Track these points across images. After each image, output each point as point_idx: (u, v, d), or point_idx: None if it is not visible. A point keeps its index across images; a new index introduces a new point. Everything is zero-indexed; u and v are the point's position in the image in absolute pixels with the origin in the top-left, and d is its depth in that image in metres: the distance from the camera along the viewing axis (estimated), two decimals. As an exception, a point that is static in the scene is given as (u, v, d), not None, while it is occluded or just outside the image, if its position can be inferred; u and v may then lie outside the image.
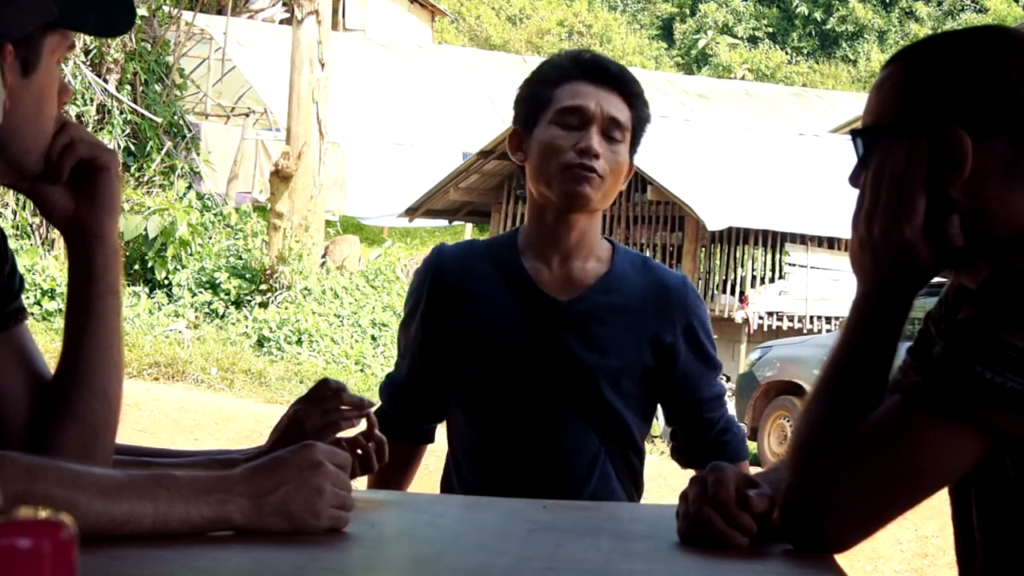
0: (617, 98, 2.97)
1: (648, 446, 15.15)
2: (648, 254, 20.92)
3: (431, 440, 3.32)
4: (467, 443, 3.12)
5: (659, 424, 15.21)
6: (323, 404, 2.33)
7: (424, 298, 3.12)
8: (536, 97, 3.01)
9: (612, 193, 2.98)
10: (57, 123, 1.86)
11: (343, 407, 2.34)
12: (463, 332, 3.07)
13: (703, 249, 20.49)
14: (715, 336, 3.16)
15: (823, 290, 20.09)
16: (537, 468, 2.98)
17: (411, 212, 22.83)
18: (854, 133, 1.95)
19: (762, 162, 21.52)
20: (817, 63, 52.37)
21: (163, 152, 19.51)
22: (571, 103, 2.95)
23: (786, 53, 52.34)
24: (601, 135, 2.94)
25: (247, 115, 27.72)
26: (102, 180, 1.91)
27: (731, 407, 3.07)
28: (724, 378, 3.43)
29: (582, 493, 2.94)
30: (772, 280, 20.54)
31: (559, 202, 2.96)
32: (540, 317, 3.00)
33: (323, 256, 20.00)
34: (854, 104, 33.88)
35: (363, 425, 2.41)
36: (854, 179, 1.95)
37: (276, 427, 2.35)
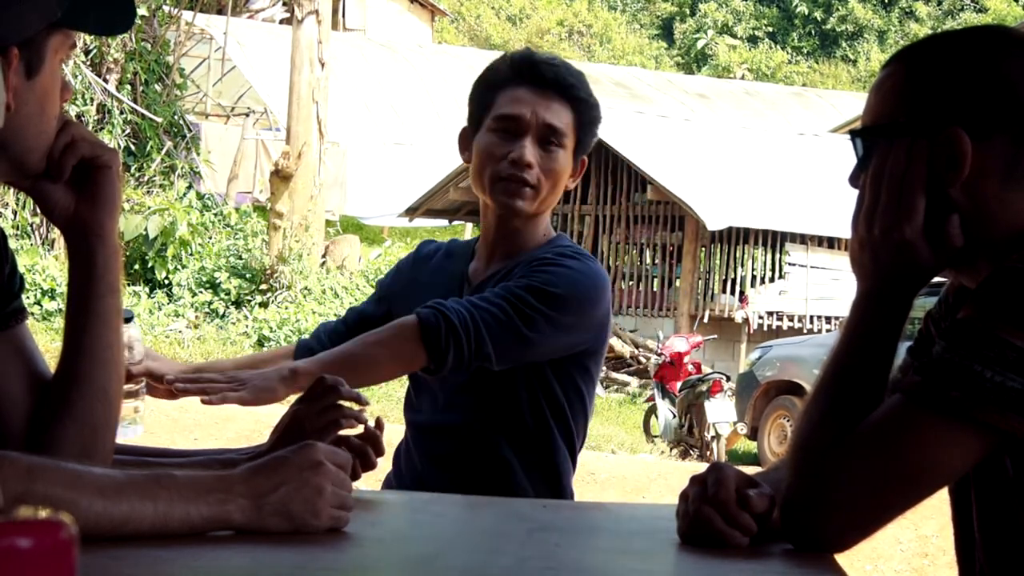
0: (558, 103, 2.96)
1: (648, 445, 15.15)
2: (648, 254, 20.98)
3: None
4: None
5: (659, 423, 15.23)
6: (321, 402, 2.33)
7: (388, 279, 3.25)
8: (480, 100, 3.03)
9: (552, 198, 3.00)
10: (59, 122, 1.87)
11: (341, 402, 2.34)
12: (390, 307, 3.16)
13: (703, 249, 20.51)
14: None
15: (823, 290, 20.12)
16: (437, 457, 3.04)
17: (411, 212, 22.84)
18: (853, 133, 1.96)
19: (762, 162, 21.54)
20: (817, 63, 52.38)
21: (163, 152, 19.52)
22: (507, 111, 2.96)
23: (786, 53, 52.35)
24: (537, 143, 2.95)
25: (247, 115, 27.71)
26: (103, 179, 1.91)
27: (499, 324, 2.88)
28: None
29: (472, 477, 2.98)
30: (772, 280, 20.56)
31: (495, 209, 3.01)
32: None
33: (323, 256, 20.00)
34: (854, 104, 33.87)
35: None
36: (854, 179, 1.95)
37: (276, 427, 2.35)
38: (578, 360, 3.00)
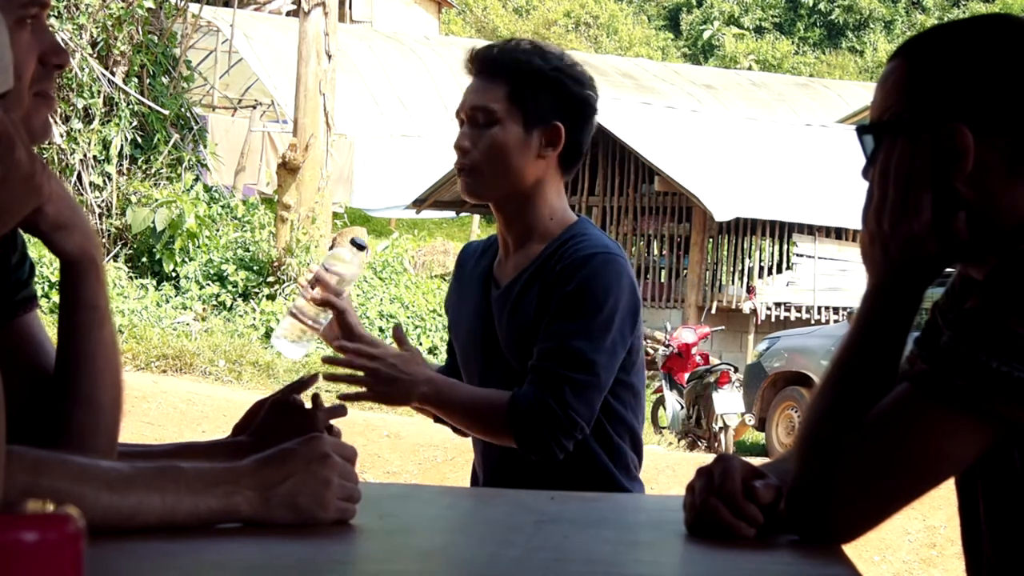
0: (490, 81, 3.00)
1: (656, 437, 15.14)
2: (655, 244, 20.97)
3: None
4: None
5: (667, 415, 15.22)
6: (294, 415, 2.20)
7: (448, 292, 3.33)
8: None
9: (510, 173, 3.00)
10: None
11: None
12: (451, 321, 3.29)
13: (711, 240, 20.50)
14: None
15: (831, 280, 20.09)
16: (497, 450, 3.05)
17: (418, 204, 22.84)
18: (860, 130, 1.96)
19: (769, 153, 21.51)
20: (824, 53, 52.33)
21: (170, 144, 19.50)
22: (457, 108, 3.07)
23: (793, 43, 52.30)
24: (471, 127, 3.00)
25: (254, 107, 27.71)
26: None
27: (582, 395, 2.97)
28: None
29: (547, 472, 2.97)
30: (780, 271, 20.54)
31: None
32: (482, 304, 3.12)
33: (330, 248, 19.99)
34: (861, 94, 33.83)
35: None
36: (866, 173, 1.95)
37: (240, 423, 2.24)
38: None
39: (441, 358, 17.42)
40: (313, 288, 3.03)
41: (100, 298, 1.87)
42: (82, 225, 1.84)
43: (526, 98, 2.98)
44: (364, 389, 2.98)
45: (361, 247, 3.06)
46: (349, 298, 3.09)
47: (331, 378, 3.02)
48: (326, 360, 3.01)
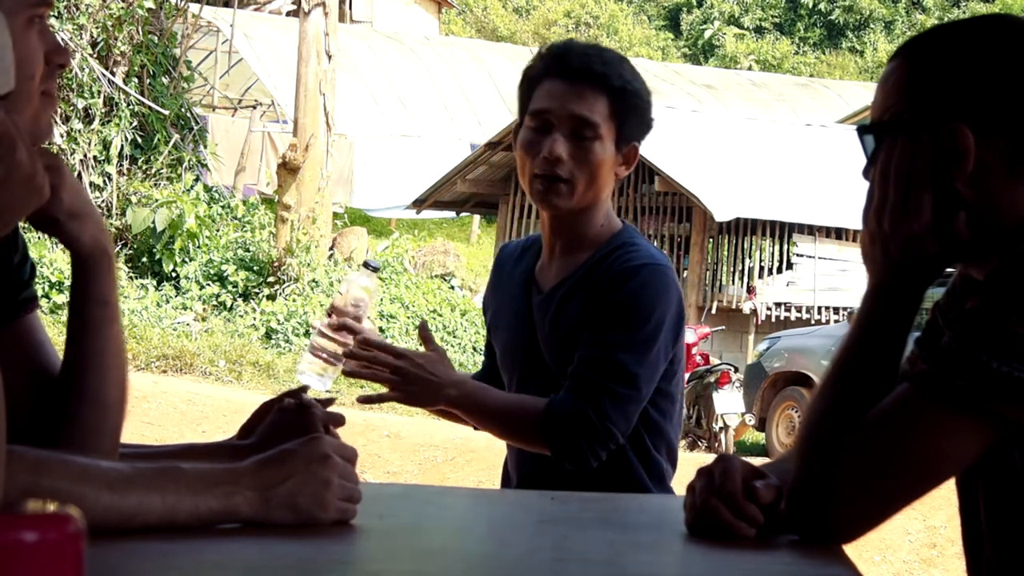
0: (591, 92, 2.90)
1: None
2: (655, 244, 20.90)
3: None
4: None
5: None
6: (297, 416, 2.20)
7: (485, 298, 3.30)
8: (521, 96, 3.02)
9: (595, 190, 2.94)
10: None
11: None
12: (490, 322, 3.24)
13: (711, 240, 20.48)
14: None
15: (831, 281, 20.08)
16: (531, 453, 3.02)
17: (418, 204, 22.83)
18: (860, 130, 1.96)
19: (770, 153, 21.50)
20: (824, 53, 52.32)
21: (170, 145, 19.51)
22: (539, 105, 2.93)
23: (793, 43, 52.30)
24: (569, 137, 2.90)
25: (254, 107, 27.72)
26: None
27: (621, 409, 2.94)
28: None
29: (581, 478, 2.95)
30: (780, 271, 20.52)
31: (538, 206, 3.01)
32: (523, 308, 3.08)
33: (331, 248, 20.00)
34: (861, 94, 33.82)
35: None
36: (867, 173, 1.96)
37: (246, 425, 2.24)
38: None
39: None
40: (330, 316, 2.97)
41: (111, 294, 1.88)
42: (96, 216, 1.86)
43: (622, 117, 2.92)
44: (387, 390, 2.94)
45: (375, 269, 3.02)
46: (371, 324, 3.03)
47: (352, 375, 2.97)
48: (348, 355, 2.93)
